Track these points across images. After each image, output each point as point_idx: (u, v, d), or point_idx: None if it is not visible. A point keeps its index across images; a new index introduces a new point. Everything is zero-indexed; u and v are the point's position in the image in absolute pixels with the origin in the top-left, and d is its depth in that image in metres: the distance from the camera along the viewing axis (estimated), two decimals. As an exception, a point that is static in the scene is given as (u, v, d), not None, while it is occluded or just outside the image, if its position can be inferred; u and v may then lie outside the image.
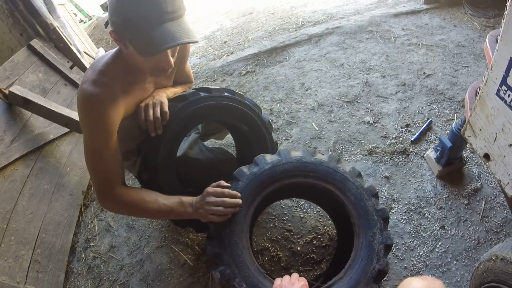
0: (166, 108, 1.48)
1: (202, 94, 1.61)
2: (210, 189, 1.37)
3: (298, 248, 1.95)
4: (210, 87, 1.68)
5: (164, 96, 1.54)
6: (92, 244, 2.54)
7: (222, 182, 1.41)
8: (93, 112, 1.29)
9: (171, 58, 1.27)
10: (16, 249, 2.22)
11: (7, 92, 2.75)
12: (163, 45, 1.12)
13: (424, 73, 3.04)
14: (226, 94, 1.67)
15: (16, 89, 2.76)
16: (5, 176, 2.45)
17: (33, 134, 2.87)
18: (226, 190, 1.36)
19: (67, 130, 3.06)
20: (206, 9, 9.73)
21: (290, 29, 4.76)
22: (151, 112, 1.44)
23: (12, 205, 2.37)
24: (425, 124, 2.43)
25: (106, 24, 1.26)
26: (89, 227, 2.71)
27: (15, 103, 2.81)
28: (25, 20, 3.80)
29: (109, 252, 2.41)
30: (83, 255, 2.49)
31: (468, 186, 2.03)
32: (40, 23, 3.75)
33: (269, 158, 1.51)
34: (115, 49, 1.41)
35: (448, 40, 3.53)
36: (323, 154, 1.58)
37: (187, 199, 1.39)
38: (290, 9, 6.00)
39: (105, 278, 2.24)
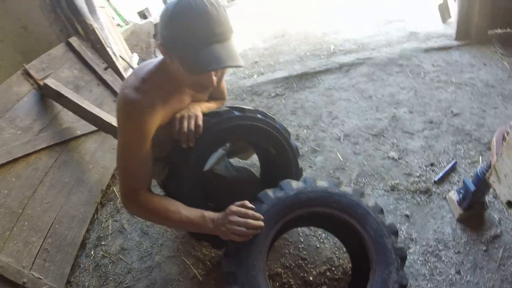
0: (201, 122, 1.53)
1: (236, 113, 1.65)
2: (234, 208, 1.39)
3: (311, 278, 1.95)
4: (244, 107, 1.72)
5: (199, 110, 1.60)
6: (103, 243, 2.58)
7: (247, 203, 1.43)
8: (132, 118, 1.35)
9: (214, 78, 1.31)
10: (28, 235, 2.27)
11: (42, 83, 2.85)
12: (209, 66, 1.17)
13: (452, 111, 3.04)
14: (258, 115, 1.72)
15: (51, 82, 2.86)
16: (29, 163, 2.53)
17: (61, 127, 2.96)
18: (250, 211, 1.39)
19: (94, 128, 3.14)
20: (239, 26, 9.87)
21: (321, 56, 4.81)
22: (185, 124, 1.49)
23: (31, 192, 2.43)
24: (450, 165, 2.42)
25: (155, 36, 1.33)
26: (102, 225, 2.75)
27: (48, 95, 2.91)
28: (66, 17, 3.95)
29: (119, 253, 2.44)
30: (92, 252, 2.53)
31: (488, 232, 2.01)
32: (80, 22, 3.90)
33: (295, 184, 1.53)
34: (159, 59, 1.46)
35: (477, 79, 3.52)
36: (347, 186, 1.59)
37: (209, 214, 1.42)
38: (322, 36, 6.06)
39: (111, 278, 2.26)
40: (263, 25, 8.97)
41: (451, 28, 4.87)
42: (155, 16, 9.20)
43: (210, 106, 1.76)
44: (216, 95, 1.90)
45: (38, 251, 2.28)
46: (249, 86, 4.34)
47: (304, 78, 4.12)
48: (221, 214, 1.41)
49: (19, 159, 2.48)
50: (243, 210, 1.38)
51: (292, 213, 1.48)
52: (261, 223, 1.38)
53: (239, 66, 1.23)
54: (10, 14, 4.60)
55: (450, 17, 5.40)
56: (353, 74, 3.99)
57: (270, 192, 1.50)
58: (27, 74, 2.90)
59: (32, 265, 2.19)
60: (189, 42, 1.18)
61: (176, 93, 1.51)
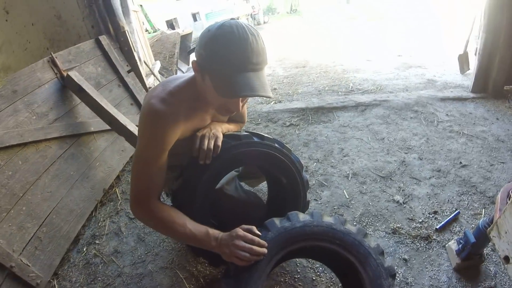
0: (220, 143, 1.59)
1: (255, 139, 1.72)
2: (240, 232, 1.41)
3: (304, 310, 1.97)
4: (263, 134, 1.78)
5: (220, 131, 1.66)
6: (97, 242, 2.58)
7: (254, 229, 1.45)
8: (155, 127, 1.40)
9: (241, 104, 1.37)
10: (24, 220, 2.28)
11: (65, 74, 2.93)
12: (241, 92, 1.22)
13: (461, 162, 3.08)
14: (276, 145, 1.77)
15: (74, 75, 2.94)
16: (38, 149, 2.58)
17: (76, 121, 3.01)
18: (256, 238, 1.41)
19: (108, 127, 3.18)
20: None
21: (339, 92, 4.91)
22: (206, 142, 1.56)
23: (34, 178, 2.46)
24: (453, 215, 2.46)
25: (190, 52, 1.40)
26: (99, 224, 2.76)
27: (69, 87, 2.99)
28: (100, 15, 4.09)
29: (112, 255, 2.44)
30: (84, 249, 2.53)
31: (482, 284, 2.03)
32: (113, 22, 4.04)
33: (302, 217, 1.57)
34: (190, 75, 1.53)
35: (489, 132, 3.58)
36: (352, 225, 1.62)
37: (213, 232, 1.44)
38: (342, 72, 6.16)
39: (99, 278, 2.26)
40: (286, 53, 9.11)
41: (468, 79, 4.98)
42: (183, 28, 9.39)
43: (230, 127, 1.82)
44: (236, 117, 1.96)
45: (31, 238, 2.29)
46: (265, 112, 4.41)
47: (320, 112, 4.19)
48: (226, 235, 1.42)
49: (29, 144, 2.52)
50: (249, 236, 1.40)
51: (296, 244, 1.51)
52: (265, 251, 1.40)
53: (269, 97, 1.31)
54: (47, 1, 4.75)
55: (468, 69, 5.50)
56: (369, 114, 4.06)
57: (277, 221, 1.54)
58: (52, 63, 2.98)
59: (22, 251, 2.19)
60: (226, 66, 1.22)
61: (199, 111, 1.58)
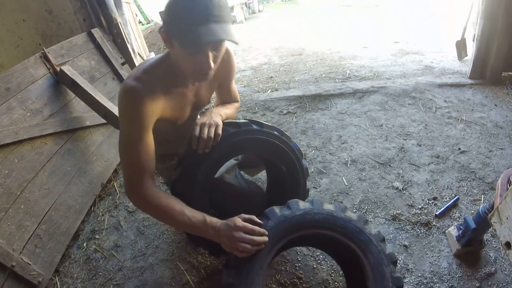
0: (220, 131, 1.56)
1: (254, 126, 1.69)
2: (239, 223, 1.38)
3: (305, 297, 1.96)
4: (262, 122, 1.75)
5: (220, 119, 1.63)
6: (97, 237, 2.58)
7: (254, 218, 1.44)
8: (132, 104, 1.38)
9: (211, 61, 1.34)
10: (22, 218, 2.27)
11: (58, 69, 2.90)
12: (205, 38, 1.21)
13: (459, 148, 3.08)
14: (275, 132, 1.75)
15: (67, 69, 2.91)
16: (34, 146, 2.55)
17: (71, 116, 2.98)
18: (256, 228, 1.39)
19: (103, 121, 3.16)
20: (258, 40, 9.97)
21: (337, 79, 4.89)
22: (206, 131, 1.52)
23: (31, 176, 2.44)
24: (452, 201, 2.46)
25: (160, 29, 1.38)
26: (98, 219, 2.76)
27: (63, 82, 2.95)
28: (91, 8, 4.04)
29: (112, 249, 2.44)
30: (85, 244, 2.53)
31: (483, 270, 2.04)
32: (105, 15, 3.99)
33: (302, 204, 1.56)
34: (163, 53, 1.53)
35: (488, 119, 3.58)
36: (352, 212, 1.62)
37: (210, 220, 1.41)
38: (339, 59, 6.13)
39: (101, 273, 2.26)
40: (281, 41, 9.05)
41: (466, 66, 4.95)
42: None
43: (228, 112, 1.80)
44: (228, 97, 1.95)
45: (31, 236, 2.28)
46: (262, 100, 4.39)
47: (318, 99, 4.17)
48: (225, 224, 1.39)
49: (25, 141, 2.50)
50: (249, 226, 1.38)
51: (296, 233, 1.50)
52: (266, 239, 1.39)
53: (235, 42, 1.27)
54: None
55: (466, 55, 5.49)
56: (366, 101, 4.05)
57: (277, 209, 1.52)
58: (45, 58, 2.92)
59: (23, 250, 2.19)
60: (187, 20, 1.23)
61: (178, 87, 1.56)
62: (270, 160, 1.89)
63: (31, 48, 5.55)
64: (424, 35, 8.12)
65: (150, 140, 1.45)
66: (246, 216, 1.44)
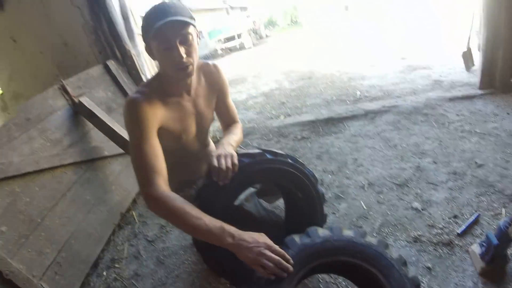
0: (236, 161, 1.62)
1: (268, 156, 1.73)
2: (269, 241, 1.38)
3: (329, 326, 1.96)
4: (276, 151, 1.79)
5: (232, 149, 1.71)
6: (116, 266, 2.62)
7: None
8: (131, 111, 1.56)
9: (179, 49, 1.51)
10: (43, 245, 2.33)
11: (76, 100, 3.01)
12: (162, 24, 1.45)
13: (476, 162, 3.06)
14: (289, 160, 1.79)
15: (85, 101, 3.03)
16: (54, 175, 2.65)
17: (89, 146, 3.09)
18: (284, 253, 1.38)
19: (121, 151, 3.26)
20: (267, 65, 10.11)
21: (348, 101, 4.94)
22: (223, 162, 1.57)
23: (52, 204, 2.53)
24: (473, 218, 2.44)
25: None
26: (118, 248, 2.80)
27: (81, 113, 3.07)
28: (106, 40, 4.20)
29: (132, 278, 2.46)
30: (104, 273, 2.57)
31: (509, 286, 2.00)
32: (119, 47, 4.15)
33: (321, 232, 1.57)
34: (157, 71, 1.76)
35: (501, 128, 3.55)
36: (372, 237, 1.62)
37: (229, 228, 1.39)
38: (348, 81, 6.20)
39: None
40: (290, 65, 9.16)
41: (475, 76, 4.96)
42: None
43: (237, 139, 1.89)
44: (228, 118, 2.08)
45: (51, 263, 2.34)
46: (275, 127, 4.46)
47: (330, 123, 4.22)
48: (250, 237, 1.38)
49: (45, 170, 2.59)
50: (277, 248, 1.38)
51: (317, 261, 1.50)
52: (291, 268, 1.36)
53: (185, 21, 1.49)
54: (53, 28, 4.89)
55: (473, 65, 5.49)
56: (379, 121, 4.08)
57: (296, 238, 1.53)
58: (63, 89, 3.06)
59: (43, 276, 2.24)
60: (151, 21, 1.48)
61: (173, 96, 1.72)
62: (286, 187, 1.92)
63: (48, 79, 5.72)
64: (430, 48, 8.13)
65: (155, 142, 1.56)
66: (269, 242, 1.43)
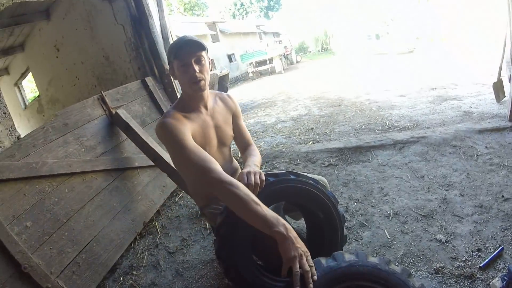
0: (264, 177, 1.82)
1: (292, 176, 1.89)
2: (307, 253, 1.50)
3: None
4: (299, 172, 1.95)
5: (258, 168, 1.92)
6: (134, 273, 2.70)
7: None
8: (166, 130, 1.82)
9: (194, 66, 1.86)
10: (65, 244, 2.46)
11: (113, 112, 3.19)
12: (181, 46, 1.88)
13: (503, 196, 3.05)
14: (310, 181, 1.92)
15: (122, 113, 3.20)
16: (84, 180, 2.80)
17: (121, 156, 3.24)
18: (314, 270, 1.47)
19: (151, 163, 3.38)
20: (297, 91, 10.24)
21: (376, 130, 4.99)
22: (252, 177, 1.78)
23: (79, 207, 2.68)
24: (496, 251, 2.44)
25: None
26: (137, 256, 2.89)
27: (117, 124, 3.23)
28: (146, 58, 4.43)
29: (148, 287, 2.53)
30: (121, 278, 2.65)
31: None
32: (158, 65, 4.38)
33: (347, 256, 1.60)
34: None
35: (530, 163, 3.52)
36: (396, 265, 1.64)
37: (283, 221, 1.53)
38: (377, 110, 6.24)
39: None
40: (320, 92, 9.24)
41: (505, 107, 4.94)
42: (219, 69, 9.77)
43: (257, 160, 2.11)
44: (243, 141, 2.33)
45: (70, 262, 2.46)
46: (304, 152, 4.53)
47: (359, 151, 4.27)
48: (297, 236, 1.51)
49: (77, 174, 2.77)
50: (311, 262, 1.49)
51: (341, 284, 1.54)
52: (311, 286, 1.42)
53: (203, 46, 1.90)
54: (96, 42, 5.20)
55: (504, 96, 5.45)
56: (407, 152, 4.10)
57: (323, 260, 1.58)
58: (102, 100, 3.26)
59: (60, 274, 2.36)
60: (174, 45, 1.91)
61: (194, 112, 2.01)
62: (307, 207, 2.03)
63: (86, 89, 6.04)
64: (460, 79, 8.12)
65: (196, 144, 1.82)
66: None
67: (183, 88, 2.02)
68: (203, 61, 1.91)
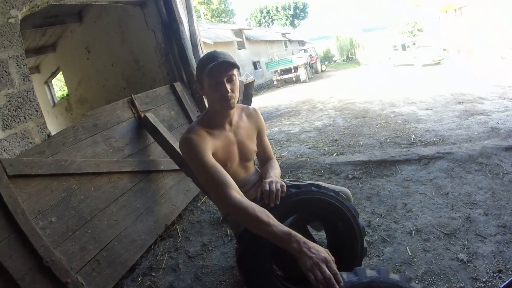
0: (285, 186, 1.91)
1: (313, 188, 1.94)
2: (329, 258, 1.49)
3: None
4: (320, 184, 2.02)
5: (279, 179, 2.00)
6: (153, 274, 2.74)
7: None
8: (187, 146, 1.88)
9: (226, 85, 1.87)
10: (87, 242, 2.54)
11: (142, 115, 3.29)
12: (209, 65, 1.83)
13: (528, 217, 3.01)
14: (331, 193, 1.96)
15: (151, 117, 3.29)
16: (110, 180, 2.89)
17: (148, 158, 3.33)
18: (338, 274, 1.45)
19: (176, 167, 3.45)
20: (321, 101, 10.24)
21: (402, 144, 4.98)
22: (274, 186, 1.87)
23: (103, 206, 2.77)
24: None
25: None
26: (157, 258, 2.93)
27: (145, 127, 3.32)
28: (175, 63, 4.53)
29: None
30: (139, 279, 2.70)
31: None
32: (186, 71, 4.48)
33: (369, 272, 1.59)
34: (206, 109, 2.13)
35: (556, 180, 3.45)
36: (417, 283, 1.65)
37: (295, 234, 1.54)
38: (403, 123, 6.22)
39: None
40: (345, 102, 9.24)
41: (533, 122, 4.86)
42: (245, 76, 9.87)
43: (277, 172, 2.20)
44: (265, 155, 2.38)
45: (91, 259, 2.54)
46: (328, 163, 4.55)
47: (383, 165, 4.27)
48: (312, 245, 1.51)
49: (103, 174, 2.86)
50: (334, 267, 1.47)
51: None
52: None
53: (233, 64, 1.88)
54: (127, 46, 5.35)
55: (533, 112, 5.36)
56: (432, 168, 4.07)
57: (344, 275, 1.56)
58: (131, 103, 3.36)
59: (80, 270, 2.44)
60: (204, 63, 1.88)
61: (217, 128, 2.04)
62: (328, 218, 2.07)
63: (115, 90, 6.21)
64: (488, 93, 8.02)
65: (215, 162, 1.86)
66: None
67: (211, 104, 2.04)
68: (234, 80, 1.93)
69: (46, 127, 2.76)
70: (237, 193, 1.75)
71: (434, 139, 5.08)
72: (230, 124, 2.10)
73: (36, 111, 2.69)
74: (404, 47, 21.92)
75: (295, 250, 1.50)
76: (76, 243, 2.51)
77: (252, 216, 1.63)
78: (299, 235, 1.55)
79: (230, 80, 1.90)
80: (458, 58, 20.36)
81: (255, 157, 2.32)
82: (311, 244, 1.52)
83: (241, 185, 2.08)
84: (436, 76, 13.43)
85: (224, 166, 1.94)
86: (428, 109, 7.23)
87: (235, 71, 1.92)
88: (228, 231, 3.34)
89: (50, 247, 2.32)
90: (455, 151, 4.35)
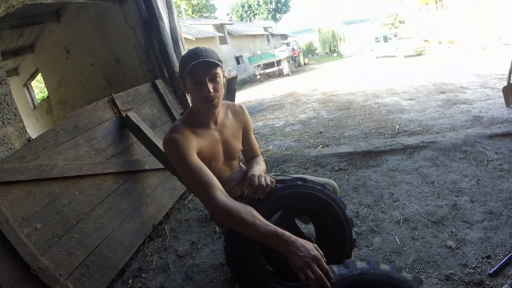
0: (273, 180, 1.86)
1: (299, 182, 1.92)
2: (319, 255, 1.45)
3: None
4: (306, 177, 1.99)
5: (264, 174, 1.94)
6: (143, 275, 2.71)
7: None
8: (171, 146, 1.83)
9: (208, 85, 1.81)
10: (74, 247, 2.48)
11: (124, 114, 3.22)
12: (195, 63, 1.77)
13: (513, 202, 3.05)
14: (318, 186, 1.95)
15: (132, 116, 3.23)
16: (94, 182, 2.83)
17: (132, 158, 3.27)
18: (329, 271, 1.44)
19: (161, 166, 3.41)
20: (305, 94, 10.25)
21: (386, 135, 5.01)
22: (262, 180, 1.82)
23: (89, 209, 2.70)
24: (506, 258, 2.44)
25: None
26: (147, 259, 2.91)
27: (127, 126, 3.26)
28: (156, 60, 4.46)
29: None
30: (130, 281, 2.67)
31: None
32: (168, 67, 4.42)
33: (359, 264, 1.60)
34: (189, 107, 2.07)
35: (541, 168, 3.50)
36: (408, 273, 1.64)
37: (282, 233, 1.51)
38: (387, 113, 6.26)
39: None
40: (328, 95, 9.25)
41: (515, 112, 4.91)
42: (227, 71, 9.85)
43: (262, 168, 2.14)
44: (250, 152, 2.32)
45: (79, 264, 2.49)
46: (313, 156, 4.55)
47: (368, 156, 4.29)
48: (303, 246, 1.47)
49: (87, 176, 2.79)
50: (324, 265, 1.45)
51: None
52: (330, 286, 1.41)
53: (214, 62, 1.82)
54: (106, 44, 5.26)
55: (514, 100, 5.42)
56: (417, 157, 4.10)
57: (334, 268, 1.58)
58: (112, 103, 3.29)
59: (69, 276, 2.38)
60: (186, 61, 1.81)
61: (202, 127, 1.98)
62: (316, 212, 2.04)
63: (96, 90, 6.12)
64: (470, 83, 8.11)
65: (200, 163, 1.82)
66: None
67: (194, 101, 1.97)
68: (217, 78, 1.86)
69: (26, 131, 2.67)
70: (221, 194, 1.71)
71: (418, 128, 5.13)
72: (215, 122, 2.04)
73: (15, 115, 2.59)
74: (386, 39, 22.06)
75: (283, 250, 1.49)
76: (63, 249, 2.45)
77: (237, 218, 1.60)
78: (287, 234, 1.52)
79: (213, 79, 1.84)
80: (439, 49, 20.56)
81: (240, 154, 2.28)
82: (299, 242, 1.49)
83: (226, 183, 2.07)
84: (418, 67, 13.54)
85: (209, 165, 1.91)
86: (411, 100, 7.30)
87: (218, 70, 1.85)
88: (217, 228, 3.31)
89: (37, 255, 2.26)
90: (439, 140, 4.39)
